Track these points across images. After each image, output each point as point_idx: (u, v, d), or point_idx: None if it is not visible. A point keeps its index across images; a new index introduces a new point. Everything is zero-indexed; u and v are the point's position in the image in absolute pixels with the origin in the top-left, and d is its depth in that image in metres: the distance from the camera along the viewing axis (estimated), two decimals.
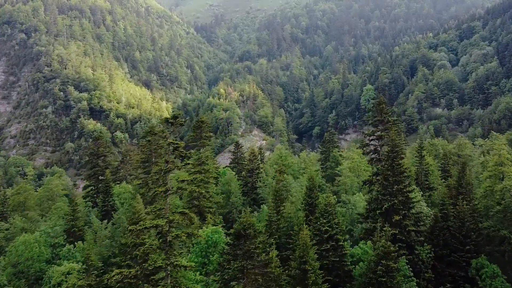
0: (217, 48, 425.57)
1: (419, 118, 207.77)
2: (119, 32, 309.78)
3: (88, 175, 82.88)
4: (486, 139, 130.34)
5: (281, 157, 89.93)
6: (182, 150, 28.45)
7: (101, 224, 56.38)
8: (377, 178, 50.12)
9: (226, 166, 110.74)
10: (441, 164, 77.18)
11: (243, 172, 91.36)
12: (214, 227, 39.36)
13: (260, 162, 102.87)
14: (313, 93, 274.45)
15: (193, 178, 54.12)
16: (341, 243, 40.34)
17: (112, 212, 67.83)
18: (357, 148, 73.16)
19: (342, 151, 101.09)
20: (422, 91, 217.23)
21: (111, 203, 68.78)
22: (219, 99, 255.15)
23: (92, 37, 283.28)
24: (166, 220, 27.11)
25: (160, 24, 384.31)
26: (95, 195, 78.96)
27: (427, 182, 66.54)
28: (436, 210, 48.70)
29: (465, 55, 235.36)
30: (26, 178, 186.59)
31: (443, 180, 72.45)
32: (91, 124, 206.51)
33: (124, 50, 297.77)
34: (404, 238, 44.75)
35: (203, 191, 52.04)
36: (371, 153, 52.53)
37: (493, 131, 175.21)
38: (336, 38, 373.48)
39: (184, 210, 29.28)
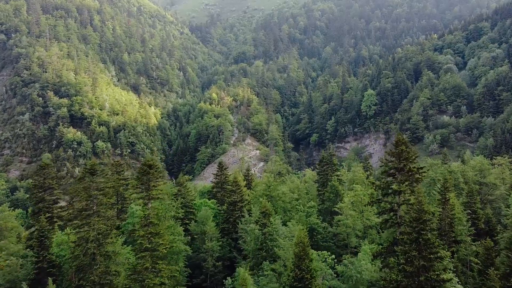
0: (212, 49, 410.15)
1: (425, 127, 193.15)
2: (107, 32, 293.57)
3: (32, 212, 67.74)
4: (506, 156, 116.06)
5: (270, 186, 74.83)
6: None
7: None
8: (395, 250, 35.19)
9: (208, 191, 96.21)
10: (465, 202, 62.18)
11: (224, 205, 76.65)
12: None
13: (246, 188, 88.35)
14: (311, 98, 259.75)
15: (137, 245, 39.31)
16: None
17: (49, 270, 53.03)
18: (360, 191, 58.18)
19: (341, 174, 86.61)
20: (427, 96, 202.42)
21: (47, 258, 53.46)
22: (211, 104, 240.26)
23: (77, 38, 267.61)
24: None
25: (153, 24, 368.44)
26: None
27: (453, 234, 51.74)
28: None
29: (473, 58, 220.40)
30: None
31: (470, 224, 57.74)
32: (71, 133, 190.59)
33: (112, 52, 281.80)
34: None
35: (148, 265, 36.93)
36: (386, 212, 37.49)
37: (507, 142, 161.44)
38: (336, 39, 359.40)
39: None
